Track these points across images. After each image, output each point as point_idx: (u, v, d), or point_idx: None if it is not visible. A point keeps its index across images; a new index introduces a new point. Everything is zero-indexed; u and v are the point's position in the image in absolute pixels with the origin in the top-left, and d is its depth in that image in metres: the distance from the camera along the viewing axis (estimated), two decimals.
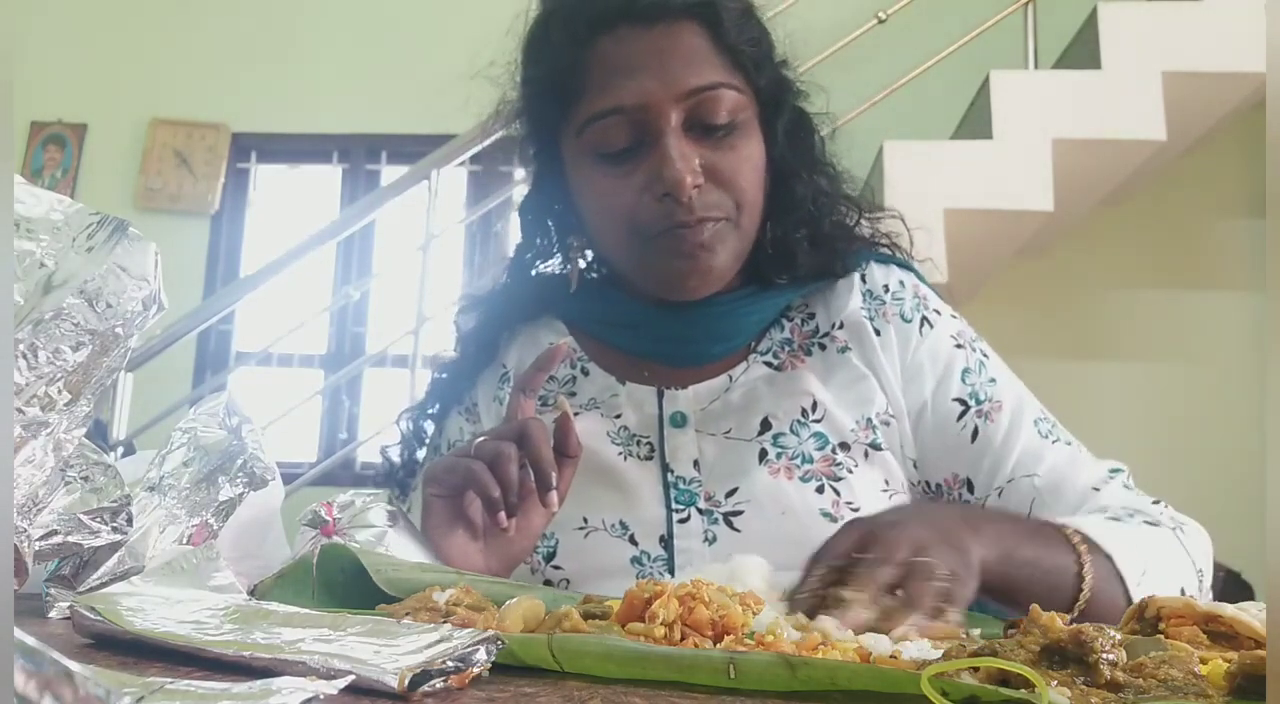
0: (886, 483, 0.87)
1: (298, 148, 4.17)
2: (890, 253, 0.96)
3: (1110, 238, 3.46)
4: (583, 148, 0.86)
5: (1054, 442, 0.87)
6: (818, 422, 0.87)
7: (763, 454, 0.86)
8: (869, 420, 0.87)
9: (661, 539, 0.85)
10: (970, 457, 0.88)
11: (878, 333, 0.90)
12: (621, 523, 0.86)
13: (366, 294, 3.74)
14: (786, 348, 0.92)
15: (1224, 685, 0.37)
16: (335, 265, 3.98)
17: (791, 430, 0.86)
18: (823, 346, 0.91)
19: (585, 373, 0.95)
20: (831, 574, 0.59)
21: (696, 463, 0.87)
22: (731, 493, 0.85)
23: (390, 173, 4.02)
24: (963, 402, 0.88)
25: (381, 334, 3.80)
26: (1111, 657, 0.38)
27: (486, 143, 2.71)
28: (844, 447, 0.86)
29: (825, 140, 0.95)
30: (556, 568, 0.86)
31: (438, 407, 1.00)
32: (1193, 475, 3.26)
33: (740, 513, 0.84)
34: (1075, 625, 0.40)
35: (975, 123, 2.90)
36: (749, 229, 0.87)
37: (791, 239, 0.91)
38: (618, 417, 0.90)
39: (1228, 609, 0.45)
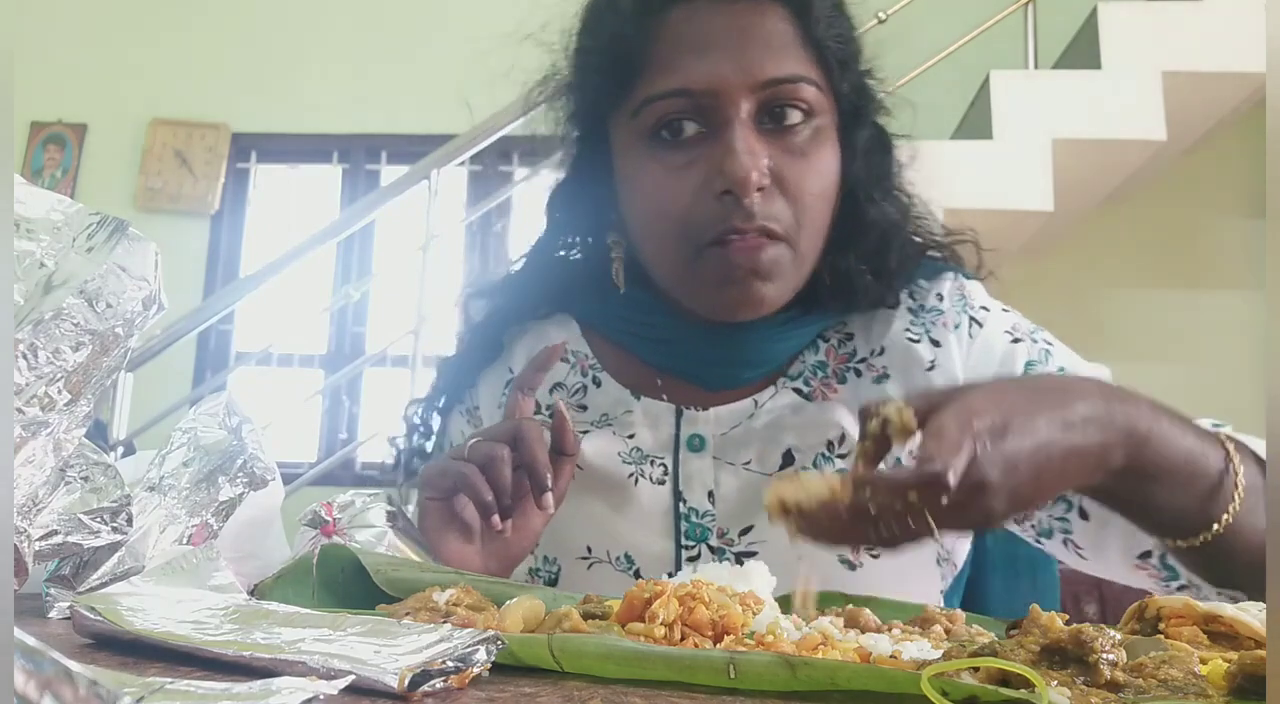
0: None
1: (298, 148, 4.17)
2: (937, 255, 0.88)
3: (1110, 238, 3.47)
4: (637, 131, 0.77)
5: None
6: (843, 457, 0.80)
7: None
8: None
9: (669, 576, 0.81)
10: None
11: (936, 344, 0.81)
12: (627, 556, 0.81)
13: (366, 294, 3.74)
14: (819, 374, 0.84)
15: (1224, 685, 0.37)
16: (335, 265, 3.98)
17: (814, 465, 0.80)
18: (858, 373, 0.83)
19: (597, 383, 0.87)
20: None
21: (711, 494, 0.81)
22: (746, 531, 0.79)
23: (390, 173, 4.03)
24: None
25: (381, 334, 3.81)
26: (1111, 657, 0.38)
27: (487, 143, 2.72)
28: None
29: (902, 164, 0.86)
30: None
31: (443, 401, 0.95)
32: None
33: (754, 554, 0.78)
34: (1075, 625, 0.40)
35: (975, 123, 2.90)
36: (808, 254, 0.77)
37: (853, 271, 0.82)
38: (630, 436, 0.84)
39: (1228, 609, 0.45)
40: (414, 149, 3.70)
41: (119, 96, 4.11)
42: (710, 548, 0.80)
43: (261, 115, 4.11)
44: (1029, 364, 0.81)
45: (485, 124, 2.64)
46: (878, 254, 0.82)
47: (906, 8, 2.77)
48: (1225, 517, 0.59)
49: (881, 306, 0.84)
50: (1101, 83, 2.69)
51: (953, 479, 0.49)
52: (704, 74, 0.73)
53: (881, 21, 2.71)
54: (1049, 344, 0.83)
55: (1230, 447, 0.61)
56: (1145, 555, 0.73)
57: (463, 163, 3.00)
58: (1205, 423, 0.72)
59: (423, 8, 4.05)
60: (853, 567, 0.77)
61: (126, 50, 4.16)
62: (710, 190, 0.73)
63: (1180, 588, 0.72)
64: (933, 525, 0.50)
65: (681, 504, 0.81)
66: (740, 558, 0.79)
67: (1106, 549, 0.75)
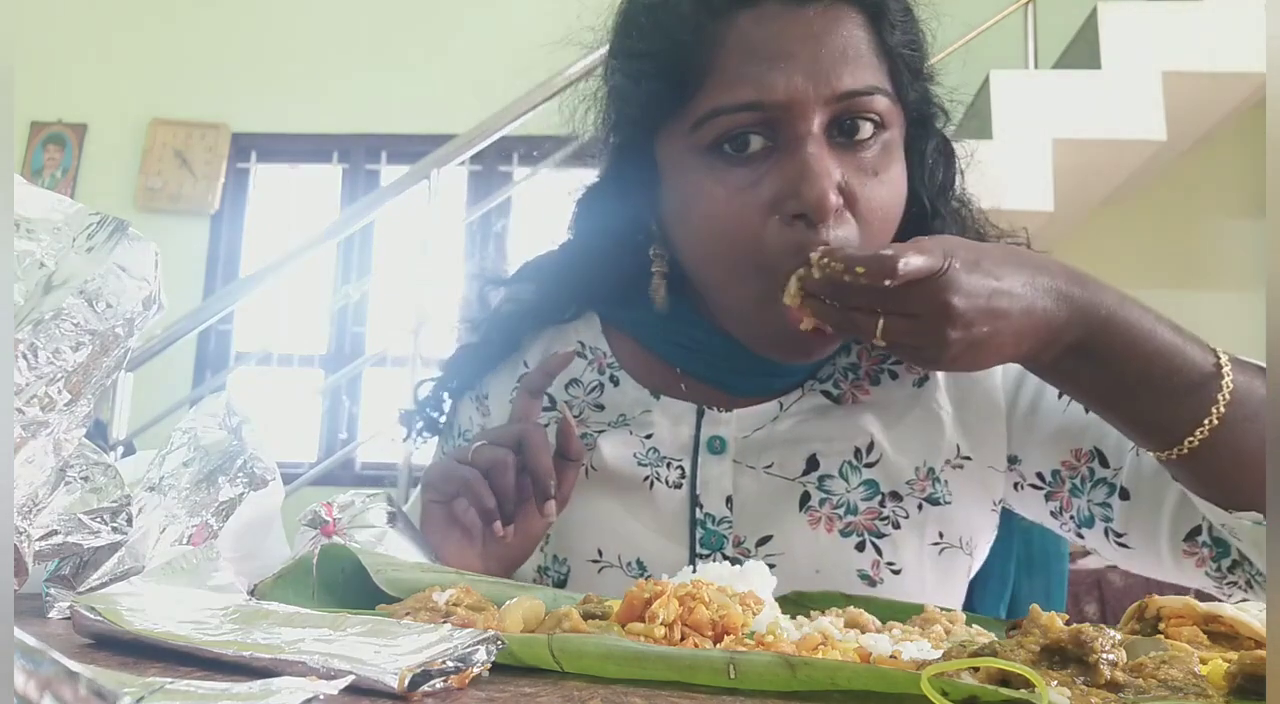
0: (941, 535, 0.78)
1: (298, 148, 4.18)
2: None
3: (1110, 238, 3.47)
4: (694, 145, 0.71)
5: None
6: (870, 466, 0.78)
7: (805, 498, 0.77)
8: (931, 470, 0.78)
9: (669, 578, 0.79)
10: (1093, 426, 0.75)
11: None
12: (638, 562, 0.78)
13: (366, 294, 3.74)
14: (850, 376, 0.81)
15: (1224, 685, 0.37)
16: (335, 265, 3.98)
17: (840, 474, 0.78)
18: (894, 376, 0.81)
19: (615, 382, 0.85)
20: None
21: (729, 500, 0.78)
22: (764, 541, 0.77)
23: (390, 173, 4.03)
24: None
25: (381, 334, 3.81)
26: (1111, 657, 0.38)
27: (487, 143, 2.72)
28: (895, 497, 0.77)
29: (963, 171, 0.82)
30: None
31: (455, 383, 0.92)
32: None
33: (771, 567, 0.70)
34: (1075, 625, 0.40)
35: (976, 122, 2.90)
36: None
37: None
38: (648, 436, 0.81)
39: (1228, 609, 0.45)
40: (414, 149, 3.70)
41: (119, 96, 4.11)
42: (725, 557, 0.77)
43: (261, 115, 4.11)
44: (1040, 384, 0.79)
45: (485, 124, 2.64)
46: None
47: None
48: (1210, 420, 0.60)
49: None
50: (1101, 83, 2.69)
51: (901, 266, 0.54)
52: (779, 86, 0.67)
53: None
54: None
55: (1223, 356, 0.61)
56: (1193, 535, 0.70)
57: (463, 163, 3.00)
58: None
59: (423, 8, 4.05)
60: (873, 582, 0.76)
61: (126, 50, 4.16)
62: (781, 214, 0.68)
63: (1233, 566, 0.68)
64: (879, 326, 0.57)
65: (698, 510, 0.79)
66: None
67: (1152, 534, 0.72)
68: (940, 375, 0.81)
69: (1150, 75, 2.66)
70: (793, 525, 0.77)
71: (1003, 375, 0.80)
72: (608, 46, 0.80)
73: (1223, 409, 0.60)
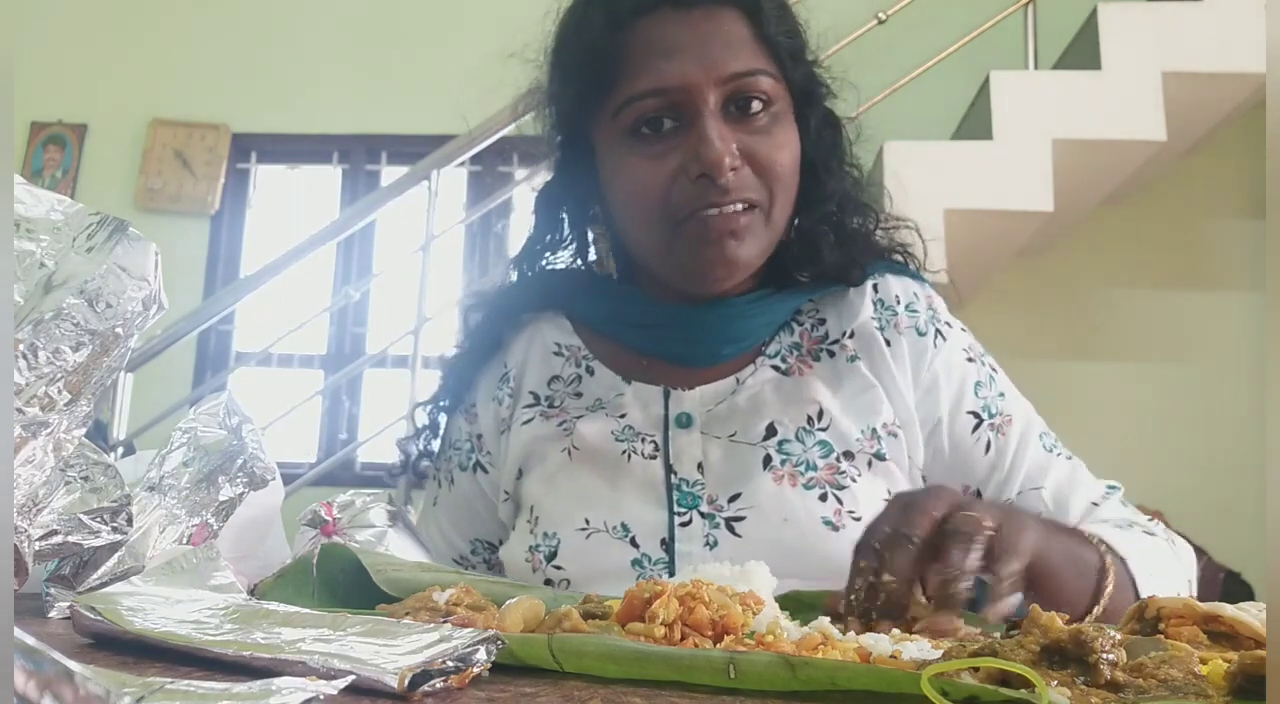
0: (889, 492, 0.86)
1: (298, 148, 4.17)
2: (904, 262, 0.96)
3: (1110, 238, 3.47)
4: (618, 129, 0.85)
5: (1057, 456, 0.89)
6: (823, 430, 0.86)
7: (767, 460, 0.85)
8: (874, 430, 0.87)
9: (663, 542, 0.84)
10: (983, 468, 0.88)
11: (888, 344, 0.90)
12: (623, 524, 0.85)
13: (366, 294, 3.74)
14: (795, 352, 0.91)
15: (1224, 685, 0.37)
16: (335, 265, 3.98)
17: (797, 438, 0.86)
18: (831, 354, 0.91)
19: (590, 372, 0.94)
20: (873, 558, 0.59)
21: (700, 465, 0.87)
22: (734, 498, 0.85)
23: (390, 173, 4.03)
24: (976, 415, 0.89)
25: (381, 334, 3.81)
26: (1111, 657, 0.38)
27: (487, 143, 2.72)
28: (848, 455, 0.86)
29: (851, 142, 0.96)
30: (558, 568, 0.85)
31: (448, 401, 1.00)
32: (1192, 475, 3.26)
33: (742, 518, 0.84)
34: (1075, 625, 0.40)
35: (975, 123, 2.90)
36: (779, 220, 0.86)
37: (817, 234, 0.91)
38: (622, 416, 0.90)
39: (1228, 609, 0.45)
40: (414, 149, 3.70)
41: (119, 96, 4.11)
42: (701, 514, 0.85)
43: (261, 115, 4.11)
44: (977, 385, 0.90)
45: (485, 125, 2.64)
46: (837, 219, 0.92)
47: (906, 8, 2.77)
48: (1102, 602, 0.69)
49: (844, 279, 0.92)
50: (1101, 83, 2.69)
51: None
52: (675, 74, 0.82)
53: (882, 22, 2.71)
54: (994, 370, 0.92)
55: (1103, 548, 0.72)
56: None
57: (463, 163, 3.00)
58: (1099, 487, 0.88)
59: (423, 9, 4.05)
60: (836, 528, 0.82)
61: (126, 50, 4.16)
62: (688, 174, 0.82)
63: None
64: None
65: (673, 476, 0.87)
66: (730, 522, 0.84)
67: None
68: (864, 356, 0.90)
69: (1150, 75, 2.66)
70: (759, 483, 0.84)
71: (933, 400, 0.89)
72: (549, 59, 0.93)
73: (1108, 596, 0.68)
